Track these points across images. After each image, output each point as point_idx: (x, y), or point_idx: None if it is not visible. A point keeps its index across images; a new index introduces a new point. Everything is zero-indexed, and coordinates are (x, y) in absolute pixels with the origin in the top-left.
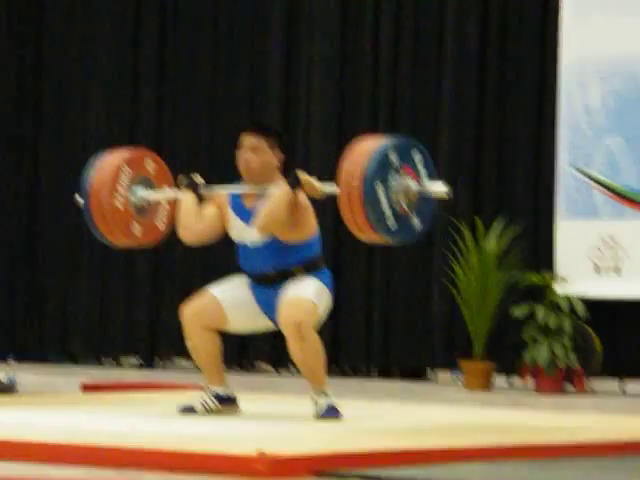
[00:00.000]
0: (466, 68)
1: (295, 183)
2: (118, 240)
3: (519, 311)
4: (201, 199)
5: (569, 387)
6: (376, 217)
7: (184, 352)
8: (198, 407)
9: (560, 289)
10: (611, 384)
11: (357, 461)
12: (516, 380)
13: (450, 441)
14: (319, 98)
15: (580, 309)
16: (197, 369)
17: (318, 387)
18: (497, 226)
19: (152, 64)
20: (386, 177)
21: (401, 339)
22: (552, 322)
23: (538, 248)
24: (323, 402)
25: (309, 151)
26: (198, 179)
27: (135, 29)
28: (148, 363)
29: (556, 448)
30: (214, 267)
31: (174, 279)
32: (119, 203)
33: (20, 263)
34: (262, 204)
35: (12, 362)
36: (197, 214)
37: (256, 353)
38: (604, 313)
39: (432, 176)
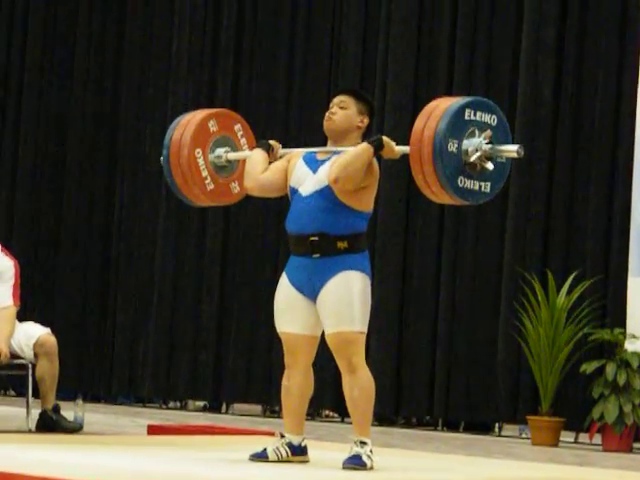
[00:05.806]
0: (538, 119)
1: (377, 143)
2: (196, 197)
3: (588, 367)
4: (273, 158)
5: (637, 445)
6: (445, 175)
7: (248, 396)
8: (270, 454)
9: (630, 346)
10: None
11: None
12: (583, 437)
13: None
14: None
15: None
16: (261, 414)
17: (359, 432)
18: (568, 281)
19: (231, 31)
20: (457, 136)
21: (466, 391)
22: (621, 379)
23: (609, 304)
24: (359, 450)
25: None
26: (272, 142)
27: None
28: (214, 406)
29: None
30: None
31: (239, 323)
32: (199, 159)
33: (91, 307)
34: (338, 156)
35: (80, 402)
36: (263, 166)
37: (321, 401)
38: None
39: (507, 137)
